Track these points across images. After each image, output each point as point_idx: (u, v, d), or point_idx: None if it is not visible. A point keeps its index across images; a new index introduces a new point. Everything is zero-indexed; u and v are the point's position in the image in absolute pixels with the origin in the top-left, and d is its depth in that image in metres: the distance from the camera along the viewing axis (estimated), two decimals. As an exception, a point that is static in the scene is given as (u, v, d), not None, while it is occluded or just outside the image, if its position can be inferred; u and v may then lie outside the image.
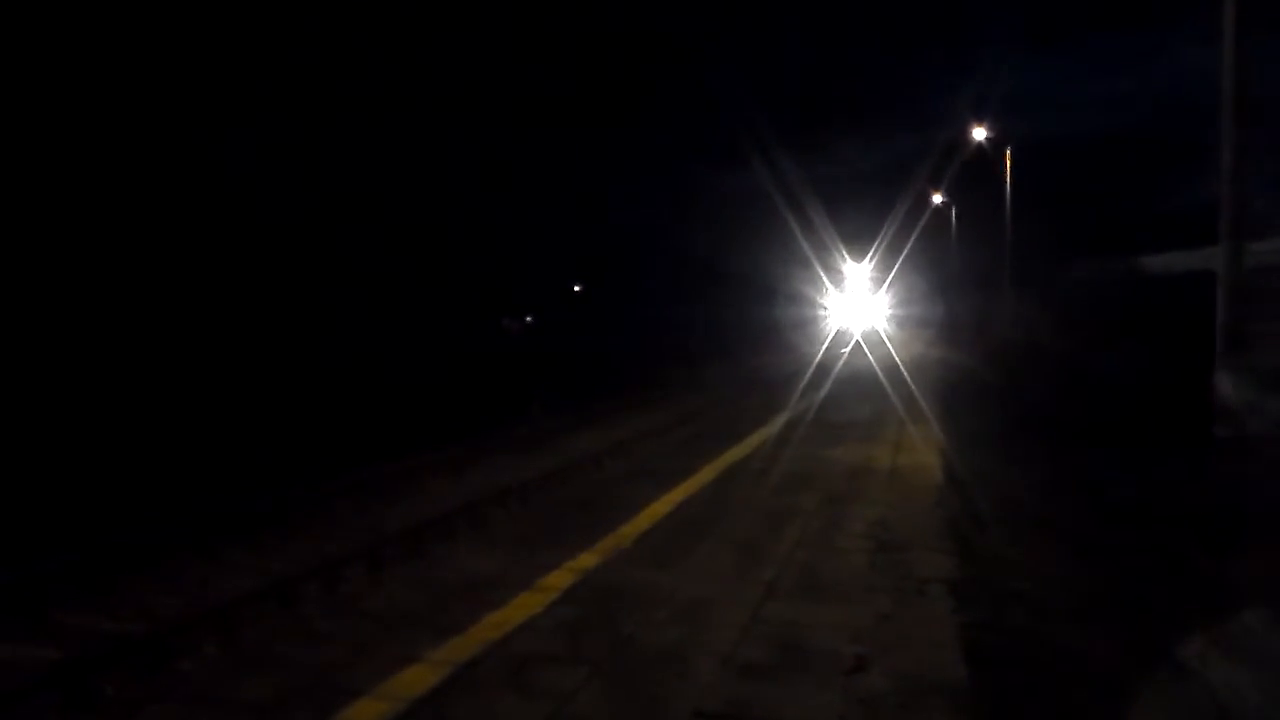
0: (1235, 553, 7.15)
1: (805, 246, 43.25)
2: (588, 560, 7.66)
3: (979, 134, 38.40)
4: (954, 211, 55.02)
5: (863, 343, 37.41)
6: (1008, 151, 36.56)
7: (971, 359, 29.26)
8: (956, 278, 54.81)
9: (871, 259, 48.14)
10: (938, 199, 56.87)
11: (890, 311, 53.48)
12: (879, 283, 50.23)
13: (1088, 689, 5.13)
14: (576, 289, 66.92)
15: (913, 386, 21.66)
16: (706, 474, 11.86)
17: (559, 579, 7.14)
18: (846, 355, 34.74)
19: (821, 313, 52.16)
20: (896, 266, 47.30)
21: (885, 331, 47.40)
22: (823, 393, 22.44)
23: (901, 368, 26.65)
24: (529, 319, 58.33)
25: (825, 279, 48.52)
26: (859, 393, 22.10)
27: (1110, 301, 27.37)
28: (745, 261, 51.38)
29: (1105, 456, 11.91)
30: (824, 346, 38.88)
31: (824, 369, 28.66)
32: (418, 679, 5.25)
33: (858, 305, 51.43)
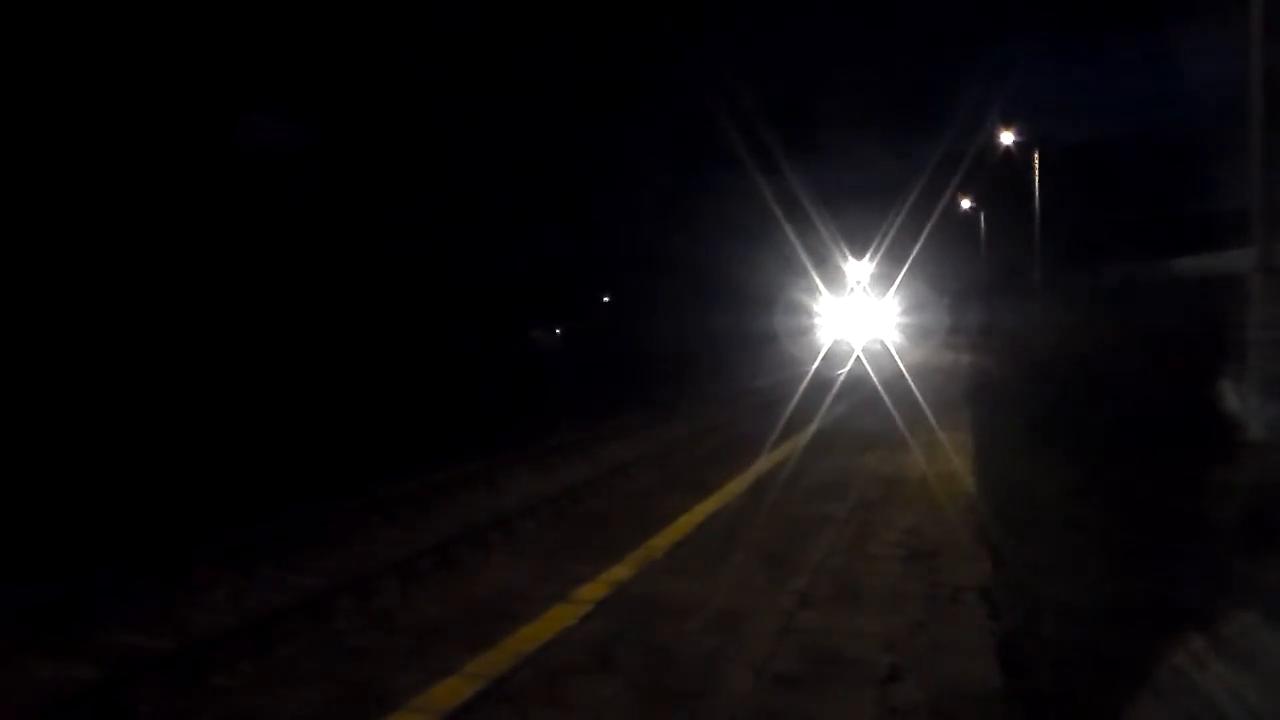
0: (1271, 556, 7.09)
1: (800, 251, 41.62)
2: (620, 572, 7.66)
3: (1007, 138, 38.31)
4: (982, 217, 54.85)
5: (865, 360, 35.46)
6: (1035, 154, 36.45)
7: (999, 365, 29.10)
8: (983, 283, 54.22)
9: (873, 258, 45.78)
10: (965, 204, 56.70)
11: (900, 319, 50.32)
12: (886, 284, 47.13)
13: (1123, 695, 5.10)
14: (606, 300, 66.90)
15: (919, 395, 21.46)
16: (737, 485, 11.84)
17: (591, 591, 7.14)
18: (862, 370, 33.80)
19: (819, 321, 48.90)
20: (906, 267, 45.12)
21: (896, 345, 44.38)
22: (844, 405, 22.35)
23: (911, 377, 26.36)
24: (558, 330, 58.38)
25: (821, 283, 45.66)
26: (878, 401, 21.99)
27: (1140, 304, 27.19)
28: (748, 268, 50.13)
29: (1138, 461, 11.83)
30: (832, 361, 37.42)
31: (839, 383, 28.37)
32: (452, 692, 5.26)
33: (860, 312, 48.27)
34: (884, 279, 47.26)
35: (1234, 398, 9.60)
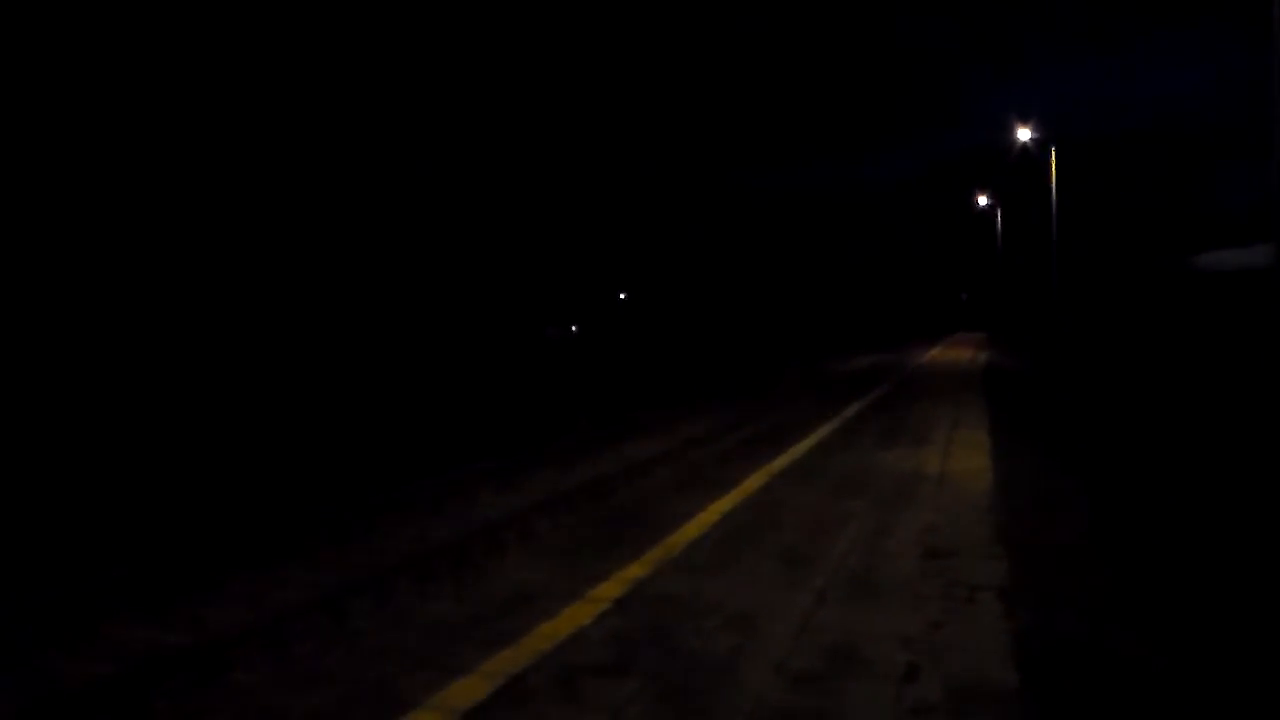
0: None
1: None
2: (637, 570, 7.65)
3: (1024, 134, 38.16)
4: (999, 214, 54.69)
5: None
6: (1053, 151, 36.29)
7: (1016, 363, 29.03)
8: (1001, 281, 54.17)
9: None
10: (983, 200, 56.56)
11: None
12: None
13: (1141, 695, 5.07)
14: (622, 296, 66.98)
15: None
16: (754, 481, 11.82)
17: (608, 589, 7.13)
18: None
19: None
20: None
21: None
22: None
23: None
24: (574, 328, 58.41)
25: None
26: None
27: (1157, 300, 27.06)
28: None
29: (1161, 461, 11.78)
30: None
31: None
32: (469, 691, 5.26)
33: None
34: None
35: None
